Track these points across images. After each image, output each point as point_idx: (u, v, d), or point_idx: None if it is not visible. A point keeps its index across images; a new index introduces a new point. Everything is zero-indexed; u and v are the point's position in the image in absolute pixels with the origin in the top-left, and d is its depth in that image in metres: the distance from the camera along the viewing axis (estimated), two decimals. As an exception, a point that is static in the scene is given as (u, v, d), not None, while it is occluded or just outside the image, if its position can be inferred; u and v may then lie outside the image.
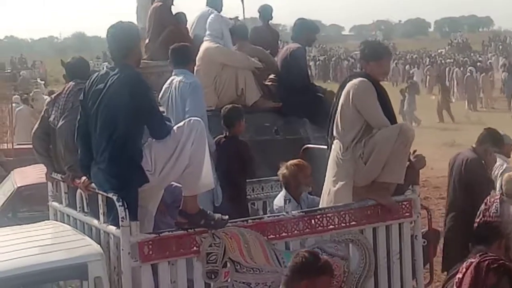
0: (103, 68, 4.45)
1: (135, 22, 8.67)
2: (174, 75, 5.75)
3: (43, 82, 36.69)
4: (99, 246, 4.22)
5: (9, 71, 28.54)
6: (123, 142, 4.06)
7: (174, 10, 8.17)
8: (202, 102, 5.62)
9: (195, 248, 4.12)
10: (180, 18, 8.06)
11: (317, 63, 41.20)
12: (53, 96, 5.23)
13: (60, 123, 4.82)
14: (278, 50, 7.99)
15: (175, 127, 4.24)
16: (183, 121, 4.30)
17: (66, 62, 5.39)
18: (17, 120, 11.39)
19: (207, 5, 7.90)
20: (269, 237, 4.33)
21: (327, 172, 4.90)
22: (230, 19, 7.53)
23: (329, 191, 4.83)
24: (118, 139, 4.06)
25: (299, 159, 5.32)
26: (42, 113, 5.20)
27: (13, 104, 11.23)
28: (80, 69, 5.10)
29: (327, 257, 3.80)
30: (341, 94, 4.84)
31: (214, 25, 6.82)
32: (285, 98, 6.93)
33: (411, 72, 33.99)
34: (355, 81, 4.79)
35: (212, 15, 6.99)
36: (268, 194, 5.89)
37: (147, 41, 7.95)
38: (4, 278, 3.90)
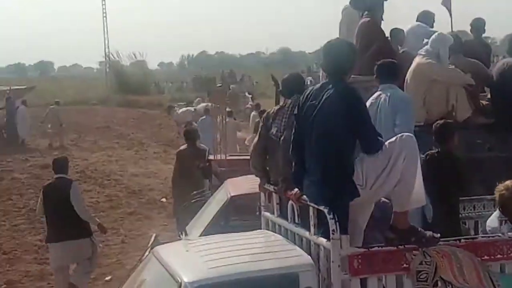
0: (306, 83, 4.55)
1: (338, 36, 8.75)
2: (381, 90, 5.76)
3: (250, 95, 38.41)
4: (309, 257, 4.28)
5: (220, 85, 30.25)
6: (337, 156, 4.13)
7: (389, 25, 8.17)
8: (412, 117, 5.58)
9: (404, 265, 4.07)
10: (397, 34, 8.02)
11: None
12: (272, 110, 5.35)
13: (285, 135, 4.96)
14: (491, 64, 7.70)
15: (386, 142, 4.25)
16: (395, 137, 4.29)
17: (283, 78, 5.54)
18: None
19: (417, 20, 7.81)
20: (482, 258, 4.18)
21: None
22: None
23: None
24: (332, 153, 4.14)
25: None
26: (260, 129, 5.37)
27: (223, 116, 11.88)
28: (297, 85, 5.25)
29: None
30: None
31: (433, 43, 6.76)
32: (500, 114, 6.64)
33: None
34: None
35: (435, 35, 6.90)
36: (480, 213, 5.68)
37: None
38: (220, 283, 4.08)
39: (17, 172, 19.23)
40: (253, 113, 20.53)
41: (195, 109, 29.98)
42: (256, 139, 5.36)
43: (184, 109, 28.31)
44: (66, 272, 8.16)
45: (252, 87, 45.99)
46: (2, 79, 60.27)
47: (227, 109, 15.11)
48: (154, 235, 7.73)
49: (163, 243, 5.68)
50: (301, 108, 4.41)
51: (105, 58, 58.11)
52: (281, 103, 5.29)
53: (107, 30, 57.60)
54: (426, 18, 7.84)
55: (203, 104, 31.78)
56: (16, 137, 25.23)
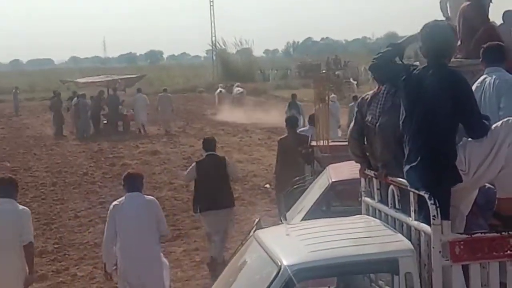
0: (411, 68, 4.48)
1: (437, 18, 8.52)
2: (486, 73, 5.59)
3: (355, 82, 38.01)
4: (409, 242, 4.25)
5: (324, 71, 30.18)
6: (440, 141, 4.08)
7: (500, 8, 7.93)
8: (517, 101, 5.38)
9: (509, 251, 3.98)
10: (510, 16, 7.80)
11: None
12: (367, 97, 5.35)
13: (380, 121, 4.96)
14: None
15: (491, 127, 4.15)
16: (501, 121, 4.18)
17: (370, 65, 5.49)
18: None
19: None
20: None
21: None
22: None
23: None
24: (434, 138, 4.08)
25: None
26: (355, 115, 5.38)
27: (331, 102, 11.89)
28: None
29: None
30: None
31: None
32: None
33: None
34: None
35: None
36: None
37: (459, 42, 7.81)
38: (319, 266, 4.11)
39: (128, 158, 20.04)
40: (350, 104, 20.38)
41: (220, 91, 31.64)
42: (351, 124, 5.37)
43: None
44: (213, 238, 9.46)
45: (357, 73, 45.51)
46: (115, 69, 62.73)
47: (331, 95, 15.11)
48: (257, 219, 7.89)
49: (265, 228, 5.80)
50: (404, 93, 4.37)
51: (212, 47, 59.32)
52: (375, 89, 5.25)
53: (214, 19, 58.92)
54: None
55: (237, 89, 33.01)
56: (125, 125, 26.31)
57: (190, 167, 9.83)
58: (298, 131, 11.11)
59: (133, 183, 7.31)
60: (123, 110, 26.76)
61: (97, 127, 26.05)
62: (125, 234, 7.10)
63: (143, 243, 7.08)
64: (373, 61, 4.82)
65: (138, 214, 7.12)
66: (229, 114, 28.88)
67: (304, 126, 14.35)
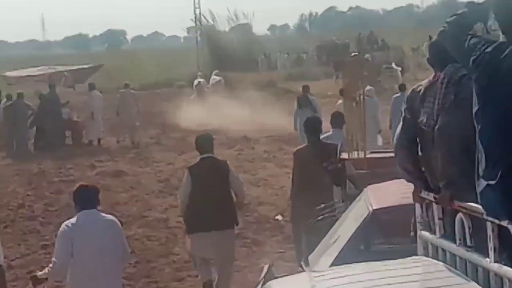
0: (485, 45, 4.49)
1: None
2: None
3: (399, 68, 38.06)
4: (488, 294, 4.26)
5: (355, 54, 29.98)
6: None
7: None
8: None
9: None
10: None
11: None
12: (419, 88, 5.36)
13: (440, 122, 4.94)
14: None
15: None
16: None
17: (430, 42, 5.51)
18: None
19: None
20: None
21: None
22: None
23: None
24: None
25: None
26: (403, 114, 5.39)
27: (366, 98, 11.79)
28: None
29: None
30: None
31: None
32: None
33: None
34: None
35: None
36: None
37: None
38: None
39: (80, 182, 19.99)
40: (395, 95, 20.36)
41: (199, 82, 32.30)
42: (399, 128, 5.36)
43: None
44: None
45: (402, 55, 45.65)
46: (59, 57, 62.94)
47: (367, 88, 15.06)
48: (266, 266, 7.83)
49: (278, 277, 5.74)
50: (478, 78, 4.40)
51: (196, 23, 59.11)
52: (430, 77, 5.24)
53: (197, -16, 58.64)
54: None
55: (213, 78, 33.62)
56: (77, 137, 26.32)
57: (184, 176, 10.11)
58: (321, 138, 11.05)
59: (87, 197, 7.75)
60: (72, 115, 26.77)
61: (40, 140, 25.89)
62: (83, 261, 7.49)
63: (105, 274, 7.55)
64: (443, 28, 4.84)
65: (99, 237, 7.55)
66: (215, 114, 28.93)
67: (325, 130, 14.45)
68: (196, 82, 34.47)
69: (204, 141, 10.15)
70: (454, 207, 4.75)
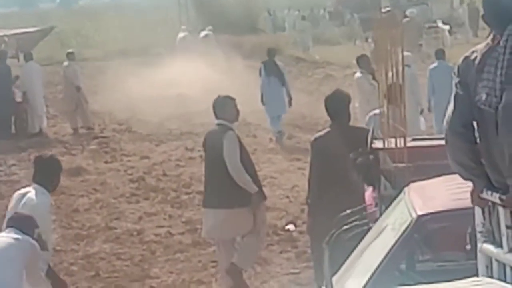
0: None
1: None
2: None
3: (447, 26, 38.01)
4: None
5: (387, 9, 29.77)
6: None
7: None
8: None
9: None
10: None
11: None
12: (474, 55, 5.35)
13: (505, 99, 4.94)
14: None
15: None
16: None
17: None
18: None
19: None
20: None
21: None
22: None
23: None
24: None
25: None
26: (455, 90, 5.38)
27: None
28: None
29: None
30: None
31: None
32: None
33: None
34: None
35: None
36: None
37: None
38: None
39: (26, 183, 19.99)
40: (432, 65, 20.34)
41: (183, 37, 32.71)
42: (449, 108, 5.35)
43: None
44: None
45: (450, 11, 45.66)
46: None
47: (406, 54, 15.00)
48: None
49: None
50: None
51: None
52: (488, 40, 5.23)
53: None
54: None
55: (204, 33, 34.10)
56: (22, 123, 26.29)
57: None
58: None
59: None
60: (16, 95, 26.71)
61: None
62: None
63: None
64: None
65: None
66: (203, 87, 28.94)
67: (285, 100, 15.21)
68: (180, 36, 34.64)
69: (221, 105, 11.80)
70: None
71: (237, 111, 11.90)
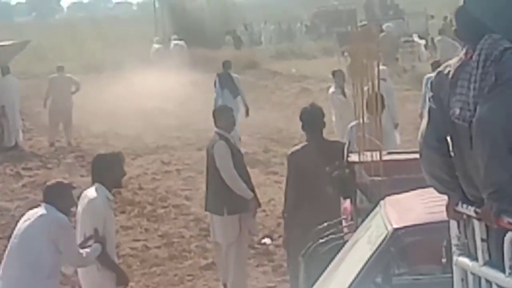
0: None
1: None
2: None
3: (423, 41, 38.00)
4: None
5: (363, 23, 29.91)
6: None
7: None
8: None
9: None
10: None
11: None
12: (447, 70, 5.37)
13: (479, 113, 4.94)
14: None
15: None
16: None
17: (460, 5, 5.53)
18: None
19: None
20: None
21: None
22: None
23: None
24: None
25: None
26: (428, 103, 5.39)
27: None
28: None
29: None
30: None
31: None
32: None
33: None
34: None
35: None
36: None
37: None
38: None
39: (3, 198, 19.90)
40: (426, 76, 20.43)
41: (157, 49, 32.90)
42: (423, 122, 5.37)
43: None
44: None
45: (426, 25, 45.79)
46: (-29, 30, 62.64)
47: (381, 67, 15.03)
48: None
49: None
50: None
51: (152, -17, 59.30)
52: (461, 54, 5.25)
53: None
54: None
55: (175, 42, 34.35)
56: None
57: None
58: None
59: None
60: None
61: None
62: None
63: None
64: None
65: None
66: (178, 99, 28.85)
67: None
68: (153, 48, 34.93)
69: (220, 113, 12.40)
70: (503, 224, 4.76)
71: (234, 121, 12.33)
